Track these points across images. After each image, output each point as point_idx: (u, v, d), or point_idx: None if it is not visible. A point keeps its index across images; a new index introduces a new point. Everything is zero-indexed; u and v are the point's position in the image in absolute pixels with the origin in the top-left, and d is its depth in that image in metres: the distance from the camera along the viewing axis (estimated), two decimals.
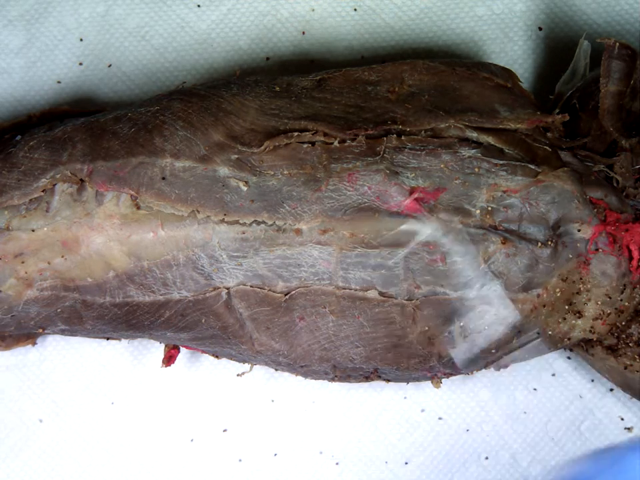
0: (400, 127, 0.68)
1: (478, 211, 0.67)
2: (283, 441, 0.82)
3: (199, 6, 0.86)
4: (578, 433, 0.81)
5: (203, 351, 0.76)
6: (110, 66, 0.85)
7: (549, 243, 0.67)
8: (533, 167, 0.68)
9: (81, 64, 0.85)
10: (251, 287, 0.67)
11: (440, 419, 0.82)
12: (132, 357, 0.82)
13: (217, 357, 0.77)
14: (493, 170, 0.68)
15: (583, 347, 0.74)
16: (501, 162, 0.68)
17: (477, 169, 0.67)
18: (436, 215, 0.66)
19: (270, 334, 0.69)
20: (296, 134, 0.67)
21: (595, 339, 0.72)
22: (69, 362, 0.82)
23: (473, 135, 0.69)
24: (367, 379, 0.73)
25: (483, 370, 0.73)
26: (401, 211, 0.66)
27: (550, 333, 0.70)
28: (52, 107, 0.79)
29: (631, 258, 0.69)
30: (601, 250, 0.68)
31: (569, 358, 0.82)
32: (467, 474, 0.81)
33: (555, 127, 0.72)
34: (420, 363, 0.70)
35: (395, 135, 0.68)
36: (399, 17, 0.86)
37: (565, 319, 0.70)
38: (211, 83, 0.76)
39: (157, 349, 0.82)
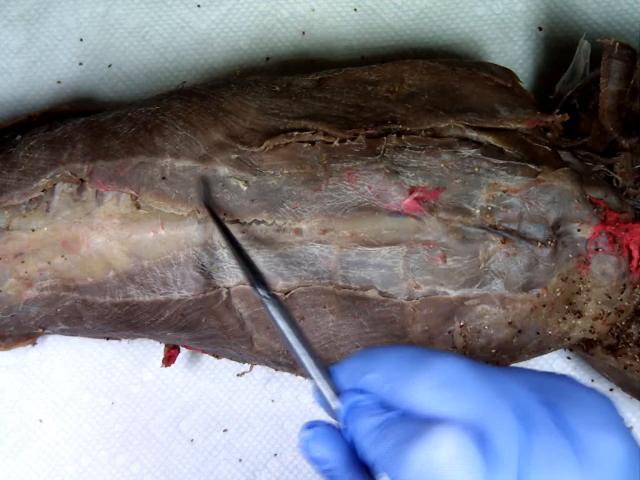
0: (400, 126, 0.68)
1: (478, 211, 0.67)
2: (283, 440, 0.82)
3: (199, 6, 0.86)
4: None
5: (203, 351, 0.76)
6: (110, 66, 0.85)
7: (549, 242, 0.68)
8: (532, 166, 0.68)
9: (81, 64, 0.85)
10: None
11: None
12: (132, 356, 0.82)
13: (217, 356, 0.77)
14: (493, 170, 0.68)
15: (582, 347, 0.74)
16: (501, 162, 0.68)
17: (476, 169, 0.67)
18: (436, 215, 0.66)
19: (270, 334, 0.69)
20: (296, 133, 0.67)
21: (595, 339, 0.71)
22: (69, 362, 0.82)
23: (473, 134, 0.69)
24: None
25: None
26: (401, 210, 0.66)
27: (550, 332, 0.70)
28: (52, 107, 0.79)
29: (630, 258, 0.69)
30: (600, 250, 0.68)
31: (568, 358, 0.82)
32: None
33: (555, 127, 0.72)
34: None
35: (395, 135, 0.68)
36: (399, 17, 0.86)
37: (564, 318, 0.70)
38: (211, 82, 0.76)
39: (157, 349, 0.82)
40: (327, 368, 0.48)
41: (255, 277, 0.60)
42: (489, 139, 0.69)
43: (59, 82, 0.85)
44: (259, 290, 0.59)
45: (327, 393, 0.47)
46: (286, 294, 0.67)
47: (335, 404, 0.46)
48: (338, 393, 0.47)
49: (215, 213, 0.65)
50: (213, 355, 0.76)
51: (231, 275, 0.67)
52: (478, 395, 0.42)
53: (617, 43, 0.71)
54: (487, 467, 0.39)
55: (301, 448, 0.47)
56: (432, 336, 0.68)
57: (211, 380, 0.82)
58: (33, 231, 0.67)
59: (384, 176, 0.66)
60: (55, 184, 0.68)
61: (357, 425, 0.44)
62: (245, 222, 0.66)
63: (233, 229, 0.66)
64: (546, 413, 0.42)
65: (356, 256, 0.66)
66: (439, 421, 0.40)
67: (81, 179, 0.68)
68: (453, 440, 0.39)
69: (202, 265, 0.67)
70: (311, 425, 0.47)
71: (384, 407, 0.44)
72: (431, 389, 0.42)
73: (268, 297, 0.57)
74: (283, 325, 0.54)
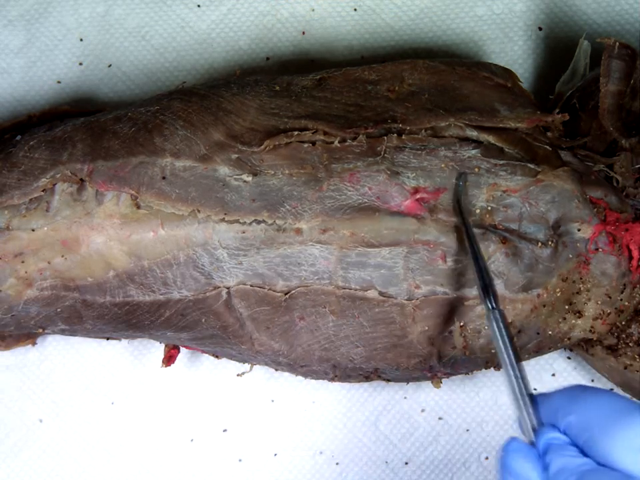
0: (400, 125, 0.68)
1: (478, 211, 0.67)
2: (283, 440, 0.82)
3: (199, 6, 0.86)
4: None
5: (203, 351, 0.76)
6: (110, 66, 0.85)
7: (549, 242, 0.67)
8: (532, 166, 0.68)
9: (81, 64, 0.85)
10: (251, 286, 0.67)
11: (440, 418, 0.82)
12: (132, 356, 0.82)
13: (217, 356, 0.77)
14: (493, 170, 0.68)
15: (583, 347, 0.74)
16: (501, 162, 0.68)
17: (477, 169, 0.67)
18: (436, 215, 0.66)
19: (270, 334, 0.69)
20: (296, 133, 0.67)
21: (595, 339, 0.71)
22: (68, 362, 0.82)
23: (473, 134, 0.69)
24: (367, 378, 0.73)
25: (483, 370, 0.73)
26: (401, 211, 0.66)
27: (550, 332, 0.70)
28: (52, 107, 0.79)
29: (630, 257, 0.69)
30: (600, 250, 0.68)
31: (568, 358, 0.82)
32: (467, 474, 0.81)
33: (555, 127, 0.73)
34: (420, 363, 0.70)
35: (395, 135, 0.68)
36: (399, 17, 0.86)
37: (565, 318, 0.70)
38: (211, 82, 0.76)
39: (157, 349, 0.82)
40: (531, 395, 0.51)
41: (486, 287, 0.60)
42: (489, 138, 0.69)
43: (59, 82, 0.85)
44: (488, 302, 0.59)
45: (528, 420, 0.50)
46: (286, 294, 0.67)
47: (533, 434, 0.49)
48: (538, 421, 0.49)
49: (465, 213, 0.65)
50: (213, 355, 0.76)
51: (231, 275, 0.67)
52: None
53: (617, 43, 0.71)
54: None
55: (503, 457, 0.49)
56: (432, 336, 0.68)
57: (210, 380, 0.82)
58: (33, 230, 0.67)
59: (385, 177, 0.66)
60: (55, 184, 0.68)
61: (555, 462, 0.46)
62: (245, 222, 0.66)
63: (233, 229, 0.66)
64: None
65: (356, 256, 0.66)
66: None
67: (81, 179, 0.68)
68: None
69: (202, 265, 0.67)
70: (517, 441, 0.49)
71: (579, 450, 0.46)
72: (632, 449, 0.43)
73: (494, 309, 0.58)
74: (500, 342, 0.55)
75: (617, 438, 0.44)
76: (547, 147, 0.70)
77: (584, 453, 0.46)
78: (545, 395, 0.50)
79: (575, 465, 0.45)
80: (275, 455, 0.81)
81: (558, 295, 0.68)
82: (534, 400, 0.51)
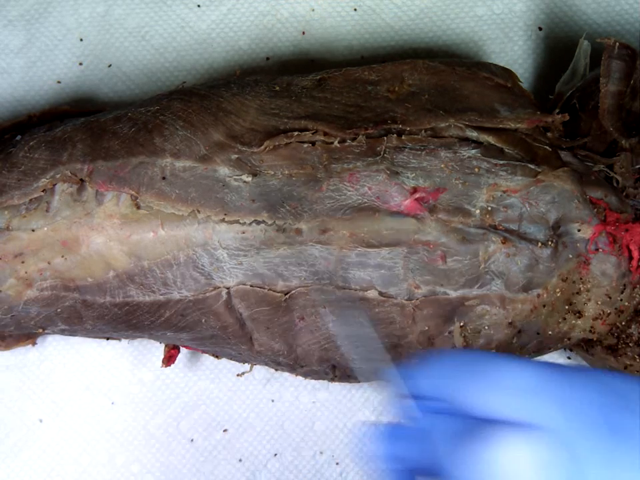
0: (400, 126, 0.68)
1: (478, 211, 0.67)
2: (283, 440, 0.82)
3: (199, 6, 0.86)
4: None
5: (203, 351, 0.76)
6: (110, 66, 0.85)
7: (549, 243, 0.68)
8: (533, 166, 0.68)
9: (81, 64, 0.85)
10: (251, 286, 0.67)
11: None
12: (132, 357, 0.82)
13: (217, 356, 0.77)
14: (493, 170, 0.68)
15: (583, 347, 0.74)
16: (501, 162, 0.68)
17: (477, 169, 0.67)
18: (436, 215, 0.66)
19: (270, 334, 0.69)
20: (296, 133, 0.67)
21: (595, 339, 0.72)
22: (69, 362, 0.82)
23: (473, 134, 0.69)
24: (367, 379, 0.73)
25: None
26: (401, 211, 0.66)
27: (550, 332, 0.70)
28: (52, 107, 0.79)
29: (630, 258, 0.69)
30: (600, 250, 0.68)
31: (569, 358, 0.82)
32: None
33: (555, 127, 0.73)
34: None
35: (395, 135, 0.68)
36: (399, 17, 0.86)
37: (565, 319, 0.70)
38: (211, 82, 0.76)
39: (157, 349, 0.82)
40: (398, 369, 0.48)
41: None
42: (489, 138, 0.69)
43: (59, 82, 0.85)
44: None
45: (397, 394, 0.47)
46: (286, 294, 0.67)
47: (404, 406, 0.46)
48: (404, 394, 0.46)
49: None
50: (213, 355, 0.76)
51: (231, 275, 0.67)
52: (554, 403, 0.41)
53: (617, 43, 0.71)
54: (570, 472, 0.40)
55: (371, 444, 0.46)
56: (432, 336, 0.68)
57: (211, 380, 0.82)
58: (33, 231, 0.67)
59: (384, 177, 0.66)
60: (55, 184, 0.68)
61: (430, 430, 0.44)
62: (245, 222, 0.66)
63: (233, 229, 0.66)
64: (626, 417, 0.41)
65: (356, 257, 0.66)
66: (509, 426, 0.40)
67: (81, 179, 0.68)
68: (528, 446, 0.39)
69: (202, 265, 0.67)
70: (382, 425, 0.47)
71: (451, 411, 0.44)
72: (500, 394, 0.42)
73: None
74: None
75: (482, 388, 0.42)
76: (547, 147, 0.70)
77: (457, 413, 0.43)
78: (409, 367, 0.48)
79: (450, 428, 0.43)
80: (275, 455, 0.81)
81: (558, 295, 0.68)
82: (399, 373, 0.48)
